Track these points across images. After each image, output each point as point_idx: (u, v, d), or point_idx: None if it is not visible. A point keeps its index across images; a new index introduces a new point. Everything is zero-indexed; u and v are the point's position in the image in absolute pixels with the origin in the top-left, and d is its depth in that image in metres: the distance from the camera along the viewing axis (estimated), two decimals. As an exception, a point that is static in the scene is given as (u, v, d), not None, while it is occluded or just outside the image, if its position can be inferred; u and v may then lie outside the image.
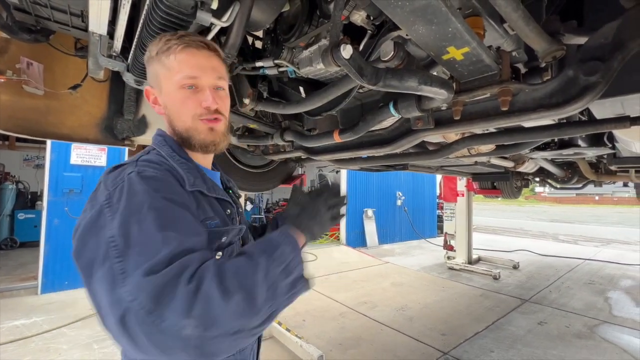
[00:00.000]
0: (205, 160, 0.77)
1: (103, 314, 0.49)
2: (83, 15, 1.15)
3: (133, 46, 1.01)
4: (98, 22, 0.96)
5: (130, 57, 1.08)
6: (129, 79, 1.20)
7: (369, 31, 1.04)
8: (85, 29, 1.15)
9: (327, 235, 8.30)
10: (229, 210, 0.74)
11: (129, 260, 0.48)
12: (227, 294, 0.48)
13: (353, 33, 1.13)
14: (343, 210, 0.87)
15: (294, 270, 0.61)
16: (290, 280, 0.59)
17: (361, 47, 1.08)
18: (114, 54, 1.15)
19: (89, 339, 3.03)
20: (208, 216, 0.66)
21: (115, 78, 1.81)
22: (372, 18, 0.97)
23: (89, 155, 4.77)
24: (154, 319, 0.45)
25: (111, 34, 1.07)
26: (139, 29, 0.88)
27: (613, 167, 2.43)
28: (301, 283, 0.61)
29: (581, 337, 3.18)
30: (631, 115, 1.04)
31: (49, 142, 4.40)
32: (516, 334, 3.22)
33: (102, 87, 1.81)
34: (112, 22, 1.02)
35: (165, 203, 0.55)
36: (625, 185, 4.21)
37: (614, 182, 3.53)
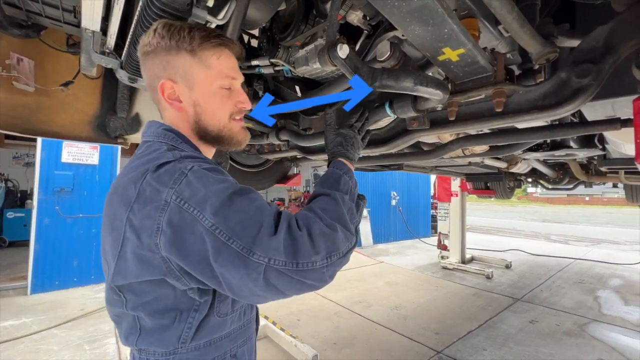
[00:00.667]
0: (209, 155, 0.78)
1: (235, 288, 0.55)
2: (75, 11, 1.13)
3: (127, 43, 0.99)
4: (91, 18, 0.94)
5: (124, 54, 1.07)
6: (122, 76, 1.19)
7: (365, 31, 1.04)
8: (78, 25, 1.14)
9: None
10: None
11: (242, 237, 0.54)
12: (332, 227, 0.60)
13: (349, 33, 1.13)
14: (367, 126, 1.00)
15: (355, 193, 0.76)
16: (355, 201, 0.74)
17: (357, 47, 1.08)
18: (107, 50, 1.13)
19: (80, 339, 2.98)
20: None
21: (108, 75, 1.79)
22: (368, 18, 0.97)
23: (81, 153, 4.69)
24: (290, 268, 0.54)
25: (104, 30, 1.05)
26: (133, 26, 0.87)
27: (603, 169, 2.47)
28: (362, 201, 0.78)
29: (571, 335, 3.23)
30: (622, 118, 1.06)
31: (39, 139, 4.33)
32: (508, 333, 3.26)
33: (95, 84, 1.79)
34: (106, 19, 1.01)
35: (238, 186, 0.60)
36: (614, 186, 4.29)
37: (603, 183, 3.59)
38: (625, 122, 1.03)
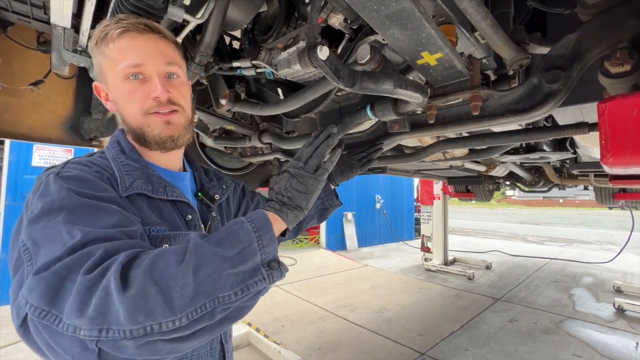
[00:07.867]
0: (165, 160, 0.70)
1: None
2: (45, 7, 1.08)
3: (100, 41, 0.96)
4: (60, 14, 0.90)
5: (97, 52, 1.03)
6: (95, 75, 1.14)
7: (347, 35, 1.05)
8: (48, 22, 1.09)
9: (306, 239, 8.27)
10: (189, 216, 0.67)
11: (37, 262, 0.43)
12: (125, 285, 0.39)
13: (332, 37, 1.13)
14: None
15: (253, 255, 0.46)
16: (241, 269, 0.45)
17: (339, 51, 1.08)
18: (80, 48, 1.08)
19: (50, 353, 2.82)
20: (149, 221, 0.58)
21: (82, 75, 1.72)
22: (349, 22, 0.98)
23: (53, 156, 4.48)
24: (47, 323, 0.39)
25: (77, 27, 1.01)
26: (106, 23, 0.84)
27: (575, 172, 2.59)
28: (260, 273, 0.46)
29: (548, 332, 3.34)
30: (589, 122, 1.12)
31: (7, 141, 4.10)
32: (489, 332, 3.34)
33: (68, 84, 1.72)
34: (78, 15, 0.97)
35: (79, 199, 0.48)
36: (585, 188, 4.51)
37: (576, 186, 3.77)
38: (592, 126, 1.08)
